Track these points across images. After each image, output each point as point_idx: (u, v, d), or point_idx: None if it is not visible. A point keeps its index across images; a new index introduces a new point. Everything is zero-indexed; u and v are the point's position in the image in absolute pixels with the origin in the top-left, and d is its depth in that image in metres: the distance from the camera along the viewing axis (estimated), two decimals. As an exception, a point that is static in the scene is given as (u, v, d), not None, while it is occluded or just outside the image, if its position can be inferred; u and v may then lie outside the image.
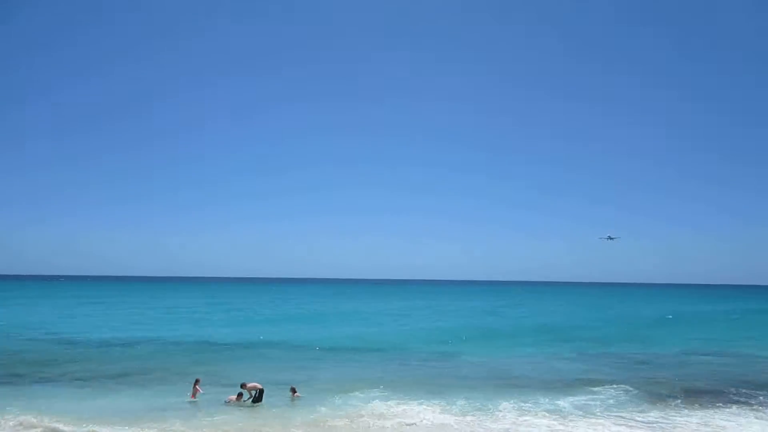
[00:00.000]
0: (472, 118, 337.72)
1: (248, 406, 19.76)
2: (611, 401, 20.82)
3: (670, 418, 18.44)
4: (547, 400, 20.68)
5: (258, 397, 20.18)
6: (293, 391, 21.23)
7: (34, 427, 16.61)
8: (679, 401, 20.79)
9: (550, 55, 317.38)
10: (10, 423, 16.91)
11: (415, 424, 17.25)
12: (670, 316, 69.90)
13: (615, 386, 23.30)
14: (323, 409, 19.05)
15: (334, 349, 35.09)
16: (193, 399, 20.43)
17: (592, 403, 20.44)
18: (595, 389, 22.77)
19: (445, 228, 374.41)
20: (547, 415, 18.55)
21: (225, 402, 20.11)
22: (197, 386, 20.90)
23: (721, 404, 20.45)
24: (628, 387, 23.17)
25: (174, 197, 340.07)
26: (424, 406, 19.37)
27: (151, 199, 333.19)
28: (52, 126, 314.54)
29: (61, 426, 16.64)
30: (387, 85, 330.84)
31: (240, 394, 20.27)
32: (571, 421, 17.88)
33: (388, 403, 19.91)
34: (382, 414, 18.40)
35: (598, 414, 18.81)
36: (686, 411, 19.40)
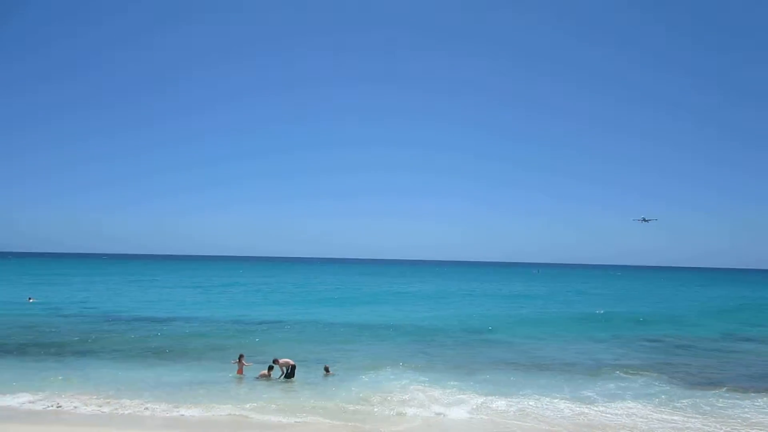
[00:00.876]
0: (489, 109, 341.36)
1: (281, 382, 20.26)
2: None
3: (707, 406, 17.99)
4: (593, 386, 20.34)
5: (290, 373, 20.67)
6: (326, 369, 21.67)
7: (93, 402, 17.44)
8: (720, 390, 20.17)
9: (555, 39, 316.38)
10: (63, 397, 17.79)
11: (443, 412, 16.84)
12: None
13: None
14: (354, 388, 19.32)
15: (371, 329, 35.36)
16: (239, 374, 21.09)
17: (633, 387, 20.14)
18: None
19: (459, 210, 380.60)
20: (578, 401, 18.30)
21: (257, 377, 20.71)
22: (242, 361, 21.52)
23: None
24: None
25: (196, 178, 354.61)
26: (454, 390, 19.26)
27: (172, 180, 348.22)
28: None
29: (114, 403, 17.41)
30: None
31: (271, 368, 20.81)
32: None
33: (419, 385, 19.92)
34: (412, 395, 18.50)
35: (629, 400, 18.50)
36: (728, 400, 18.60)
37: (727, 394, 19.37)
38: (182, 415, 15.91)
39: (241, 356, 21.76)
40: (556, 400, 17.97)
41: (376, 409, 16.78)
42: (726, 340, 34.15)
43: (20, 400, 16.97)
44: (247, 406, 16.85)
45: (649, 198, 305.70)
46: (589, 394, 19.21)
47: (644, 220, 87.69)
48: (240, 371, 21.21)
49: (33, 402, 16.83)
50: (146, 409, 16.39)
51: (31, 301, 50.15)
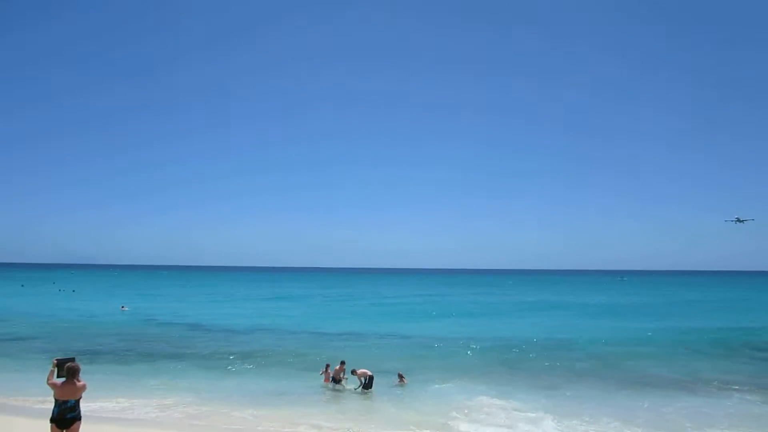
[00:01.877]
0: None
1: (359, 393, 20.45)
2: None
3: None
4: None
5: (368, 384, 20.82)
6: (400, 377, 21.73)
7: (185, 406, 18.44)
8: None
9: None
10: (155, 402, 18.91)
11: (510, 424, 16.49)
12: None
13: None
14: (430, 400, 19.15)
15: (448, 341, 34.71)
16: (326, 383, 21.66)
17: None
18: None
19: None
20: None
21: (320, 373, 21.87)
22: (328, 370, 22.06)
23: None
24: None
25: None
26: (526, 404, 18.63)
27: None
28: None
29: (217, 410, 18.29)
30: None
31: (328, 365, 21.92)
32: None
33: (491, 399, 19.38)
34: (483, 409, 18.05)
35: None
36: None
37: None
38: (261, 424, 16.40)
39: (327, 366, 22.28)
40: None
41: (455, 424, 16.51)
42: None
43: (116, 404, 18.15)
44: (321, 416, 17.05)
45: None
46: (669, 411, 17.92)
47: (738, 220, 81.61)
48: (327, 380, 21.76)
49: (129, 407, 17.96)
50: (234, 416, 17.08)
51: (123, 309, 53.88)
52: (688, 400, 19.46)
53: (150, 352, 29.09)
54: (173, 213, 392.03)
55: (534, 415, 17.43)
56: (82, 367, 9.92)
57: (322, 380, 21.77)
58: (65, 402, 9.62)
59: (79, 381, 9.72)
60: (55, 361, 9.80)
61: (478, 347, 31.39)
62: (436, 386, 21.26)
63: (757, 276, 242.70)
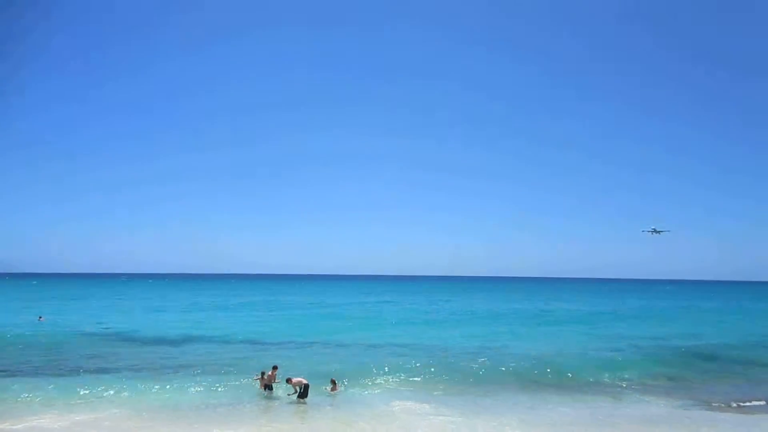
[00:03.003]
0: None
1: (294, 402, 20.51)
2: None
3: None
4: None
5: (303, 393, 20.89)
6: (333, 383, 22.26)
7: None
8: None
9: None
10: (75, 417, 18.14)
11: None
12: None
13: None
14: (358, 408, 19.78)
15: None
16: (261, 389, 21.80)
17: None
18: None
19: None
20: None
21: (253, 379, 22.14)
22: (264, 377, 22.05)
23: None
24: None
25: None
26: (451, 409, 19.64)
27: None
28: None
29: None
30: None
31: (263, 373, 22.04)
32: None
33: (418, 404, 20.22)
34: (404, 415, 18.91)
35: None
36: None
37: None
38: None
39: (262, 373, 22.38)
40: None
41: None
42: None
43: (39, 421, 17.31)
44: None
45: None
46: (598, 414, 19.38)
47: (655, 231, 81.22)
48: (262, 386, 21.94)
49: (51, 421, 17.17)
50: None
51: (41, 320, 50.63)
52: (607, 402, 21.22)
53: (72, 365, 27.68)
54: (91, 218, 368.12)
55: (455, 419, 18.47)
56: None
57: (257, 386, 21.79)
58: None
59: None
60: None
61: (417, 354, 32.08)
62: (367, 392, 21.97)
63: (664, 284, 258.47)
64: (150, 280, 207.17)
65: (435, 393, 22.60)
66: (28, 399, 20.09)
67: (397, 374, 25.75)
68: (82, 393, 21.18)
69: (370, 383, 23.80)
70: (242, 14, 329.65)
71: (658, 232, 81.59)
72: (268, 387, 21.85)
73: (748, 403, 21.55)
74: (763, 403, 21.79)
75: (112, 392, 21.48)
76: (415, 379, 25.06)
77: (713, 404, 21.30)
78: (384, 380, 24.46)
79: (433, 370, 26.93)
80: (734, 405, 21.24)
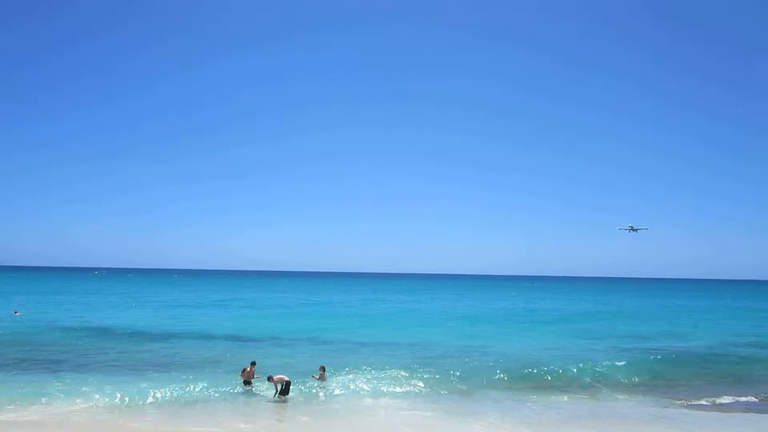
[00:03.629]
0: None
1: (274, 400, 20.39)
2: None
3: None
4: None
5: (285, 390, 20.79)
6: (322, 370, 22.66)
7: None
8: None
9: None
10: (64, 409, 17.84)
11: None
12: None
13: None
14: (336, 404, 19.86)
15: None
16: (248, 382, 21.80)
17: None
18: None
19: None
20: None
21: (240, 374, 22.09)
22: (253, 368, 21.98)
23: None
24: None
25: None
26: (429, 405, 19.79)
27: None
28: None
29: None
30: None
31: (253, 363, 22.22)
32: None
33: (395, 400, 20.35)
34: (382, 410, 18.95)
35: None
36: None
37: None
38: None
39: (253, 363, 22.46)
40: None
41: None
42: None
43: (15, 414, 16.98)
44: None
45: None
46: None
47: (632, 229, 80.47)
48: (250, 377, 21.99)
49: (23, 419, 16.86)
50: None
51: (16, 314, 49.67)
52: (592, 402, 21.37)
53: (49, 359, 27.32)
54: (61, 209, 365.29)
55: (431, 414, 18.72)
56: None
57: (242, 381, 21.87)
58: None
59: None
60: None
61: (402, 352, 32.25)
62: (352, 387, 22.18)
63: (653, 283, 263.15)
64: (130, 275, 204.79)
65: (414, 390, 22.77)
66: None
67: (378, 371, 25.80)
68: (56, 388, 20.77)
69: (351, 380, 23.74)
70: (253, 24, 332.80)
71: (635, 230, 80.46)
72: (247, 383, 21.78)
73: (728, 400, 21.92)
74: (746, 400, 22.19)
75: (87, 387, 21.05)
76: (396, 375, 25.11)
77: (694, 403, 21.63)
78: (365, 377, 24.41)
79: (414, 367, 27.02)
80: (716, 403, 21.58)
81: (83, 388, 20.71)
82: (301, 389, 21.74)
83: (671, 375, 27.17)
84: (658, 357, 31.21)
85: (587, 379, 25.72)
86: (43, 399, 19.15)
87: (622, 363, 29.44)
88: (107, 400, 19.35)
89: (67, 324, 43.39)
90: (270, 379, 21.03)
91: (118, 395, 19.91)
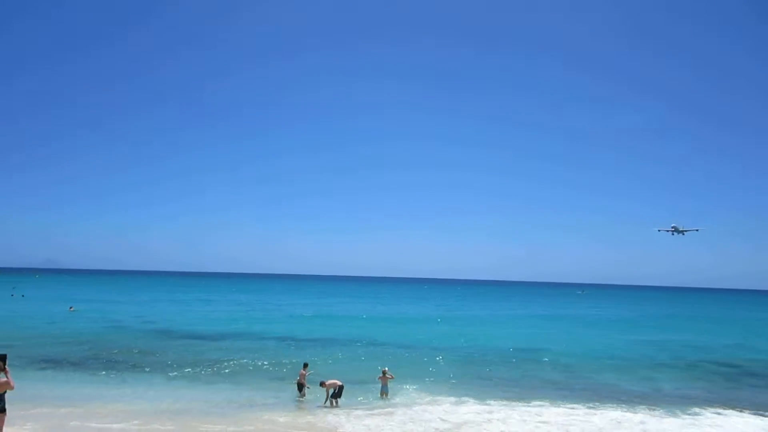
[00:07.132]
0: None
1: (326, 406, 20.01)
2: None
3: None
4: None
5: (337, 393, 20.45)
6: (384, 373, 21.91)
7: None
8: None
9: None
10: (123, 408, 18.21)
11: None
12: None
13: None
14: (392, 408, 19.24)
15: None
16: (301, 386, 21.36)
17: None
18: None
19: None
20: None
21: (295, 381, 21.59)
22: (304, 371, 21.71)
23: None
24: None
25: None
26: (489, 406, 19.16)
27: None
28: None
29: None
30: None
31: (306, 365, 21.93)
32: None
33: (455, 405, 19.78)
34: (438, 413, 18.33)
35: None
36: None
37: None
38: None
39: (305, 365, 22.13)
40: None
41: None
42: None
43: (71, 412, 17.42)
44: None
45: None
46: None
47: (676, 230, 70.93)
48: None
49: (88, 416, 17.24)
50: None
51: (71, 310, 51.89)
52: (646, 412, 19.93)
53: (109, 358, 28.06)
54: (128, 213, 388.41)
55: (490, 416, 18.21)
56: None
57: (296, 384, 21.54)
58: None
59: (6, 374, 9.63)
60: None
61: (449, 356, 31.78)
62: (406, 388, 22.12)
63: (714, 293, 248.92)
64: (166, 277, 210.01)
65: (467, 393, 22.14)
66: (66, 389, 20.15)
67: (429, 375, 25.44)
68: (119, 387, 21.31)
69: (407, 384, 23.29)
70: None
71: (681, 231, 71.30)
72: (299, 386, 21.44)
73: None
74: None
75: (151, 388, 21.50)
76: (445, 380, 24.64)
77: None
78: (414, 380, 23.96)
79: (466, 372, 26.53)
80: (749, 412, 20.02)
81: (146, 392, 20.93)
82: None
83: (729, 384, 25.44)
84: (725, 369, 29.22)
85: (634, 387, 24.26)
86: (107, 395, 19.62)
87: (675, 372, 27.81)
88: (170, 401, 19.49)
89: (129, 323, 45.13)
90: (322, 384, 20.58)
91: (178, 395, 20.16)
